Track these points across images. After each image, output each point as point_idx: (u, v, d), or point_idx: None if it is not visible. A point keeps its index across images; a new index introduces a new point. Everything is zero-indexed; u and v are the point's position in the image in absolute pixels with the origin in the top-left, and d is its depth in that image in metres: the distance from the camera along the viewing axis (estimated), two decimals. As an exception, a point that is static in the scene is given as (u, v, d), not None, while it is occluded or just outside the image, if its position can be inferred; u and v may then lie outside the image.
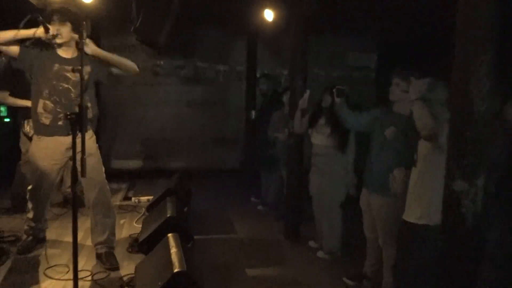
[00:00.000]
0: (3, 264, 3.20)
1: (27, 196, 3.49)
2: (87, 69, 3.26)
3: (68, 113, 2.04)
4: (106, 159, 6.89)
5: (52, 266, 3.29)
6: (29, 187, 3.50)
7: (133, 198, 5.24)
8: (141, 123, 7.36)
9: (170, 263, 2.20)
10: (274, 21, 5.09)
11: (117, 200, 5.27)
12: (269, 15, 4.84)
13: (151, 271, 2.35)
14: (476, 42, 1.89)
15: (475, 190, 1.90)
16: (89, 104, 3.35)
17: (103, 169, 3.47)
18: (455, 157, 1.95)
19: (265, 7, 4.82)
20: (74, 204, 2.03)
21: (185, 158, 7.54)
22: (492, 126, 1.97)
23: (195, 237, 4.23)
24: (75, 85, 3.26)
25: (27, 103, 3.74)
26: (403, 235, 2.66)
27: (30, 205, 3.51)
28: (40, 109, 3.26)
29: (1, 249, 3.34)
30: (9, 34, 3.09)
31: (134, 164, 7.28)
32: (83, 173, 2.04)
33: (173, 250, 2.36)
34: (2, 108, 5.58)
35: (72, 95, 3.28)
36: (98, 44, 6.47)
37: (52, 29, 3.14)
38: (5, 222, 3.99)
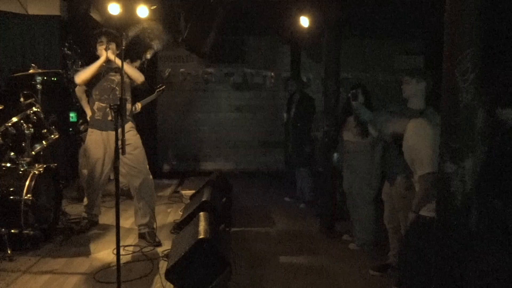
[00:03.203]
0: (71, 238, 4.02)
1: (84, 185, 4.19)
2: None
3: (111, 104, 2.53)
4: (163, 160, 7.64)
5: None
6: (85, 177, 4.18)
7: (180, 192, 5.77)
8: (194, 127, 7.94)
9: (196, 233, 2.59)
10: (313, 27, 5.38)
11: (167, 193, 5.87)
12: (304, 21, 5.14)
13: (183, 242, 2.75)
14: (461, 37, 2.08)
15: (463, 171, 2.09)
16: (128, 98, 4.04)
17: (147, 160, 4.02)
18: (445, 142, 2.15)
19: (302, 14, 5.12)
20: (116, 175, 2.49)
21: (234, 160, 7.99)
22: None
23: (235, 229, 4.62)
24: (119, 85, 3.90)
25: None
26: (412, 226, 2.84)
27: (86, 193, 4.22)
28: (94, 108, 4.03)
29: (69, 228, 4.13)
30: (89, 72, 3.92)
31: (186, 164, 7.86)
32: (123, 152, 2.49)
33: (201, 223, 2.75)
34: (72, 114, 6.33)
35: (117, 93, 3.95)
36: (155, 54, 7.19)
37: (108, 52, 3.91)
38: (73, 208, 4.83)
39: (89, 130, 4.09)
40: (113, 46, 3.99)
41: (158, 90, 5.42)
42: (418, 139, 2.73)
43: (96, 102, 4.01)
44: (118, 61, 3.79)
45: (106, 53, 3.90)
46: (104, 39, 4.01)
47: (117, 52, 3.87)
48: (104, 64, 3.96)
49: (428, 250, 2.69)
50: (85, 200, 4.24)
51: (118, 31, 4.10)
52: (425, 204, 2.69)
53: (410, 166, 2.86)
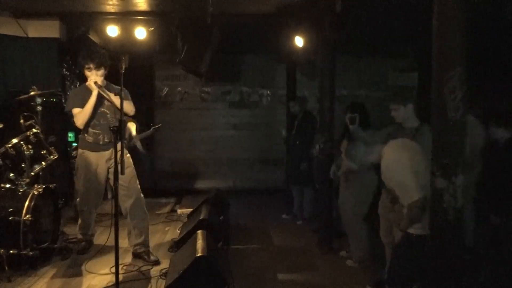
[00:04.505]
0: (69, 258, 4.06)
1: (77, 207, 4.19)
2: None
3: (111, 126, 2.58)
4: (160, 178, 7.66)
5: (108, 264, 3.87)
6: (78, 198, 4.16)
7: (178, 210, 5.79)
8: (191, 146, 7.99)
9: (194, 251, 2.62)
10: (307, 46, 5.49)
11: (165, 212, 5.88)
12: (299, 41, 5.26)
13: (181, 261, 2.78)
14: (449, 56, 2.17)
15: (454, 187, 2.14)
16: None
17: (137, 180, 4.03)
18: (435, 158, 2.21)
19: (296, 33, 5.24)
20: (115, 195, 2.53)
21: (231, 178, 8.02)
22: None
23: (233, 246, 4.63)
24: (109, 108, 3.91)
25: None
26: (399, 244, 2.86)
27: (80, 214, 4.19)
28: (86, 132, 3.96)
29: (67, 247, 4.16)
30: (87, 113, 3.79)
31: (184, 183, 7.88)
32: (122, 171, 2.53)
33: (199, 241, 2.79)
34: (71, 134, 6.38)
35: (108, 116, 3.94)
36: (153, 74, 7.29)
37: (97, 78, 3.79)
38: (70, 228, 4.82)
39: (79, 151, 4.01)
40: (100, 73, 3.81)
41: (154, 127, 5.89)
42: (396, 167, 2.69)
43: (89, 128, 3.91)
44: (114, 99, 3.70)
45: (96, 89, 3.73)
46: (92, 65, 3.77)
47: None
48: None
49: (415, 268, 2.72)
50: (80, 221, 4.22)
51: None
52: (413, 224, 2.70)
53: (394, 190, 2.86)
